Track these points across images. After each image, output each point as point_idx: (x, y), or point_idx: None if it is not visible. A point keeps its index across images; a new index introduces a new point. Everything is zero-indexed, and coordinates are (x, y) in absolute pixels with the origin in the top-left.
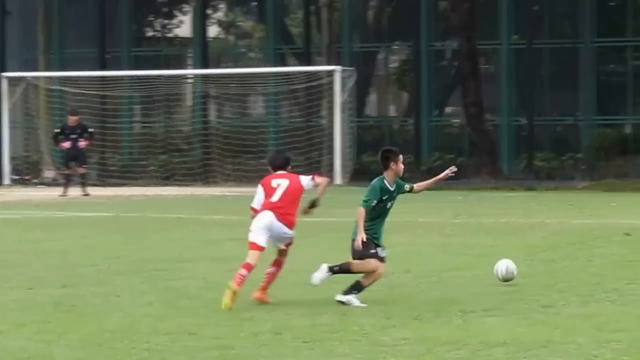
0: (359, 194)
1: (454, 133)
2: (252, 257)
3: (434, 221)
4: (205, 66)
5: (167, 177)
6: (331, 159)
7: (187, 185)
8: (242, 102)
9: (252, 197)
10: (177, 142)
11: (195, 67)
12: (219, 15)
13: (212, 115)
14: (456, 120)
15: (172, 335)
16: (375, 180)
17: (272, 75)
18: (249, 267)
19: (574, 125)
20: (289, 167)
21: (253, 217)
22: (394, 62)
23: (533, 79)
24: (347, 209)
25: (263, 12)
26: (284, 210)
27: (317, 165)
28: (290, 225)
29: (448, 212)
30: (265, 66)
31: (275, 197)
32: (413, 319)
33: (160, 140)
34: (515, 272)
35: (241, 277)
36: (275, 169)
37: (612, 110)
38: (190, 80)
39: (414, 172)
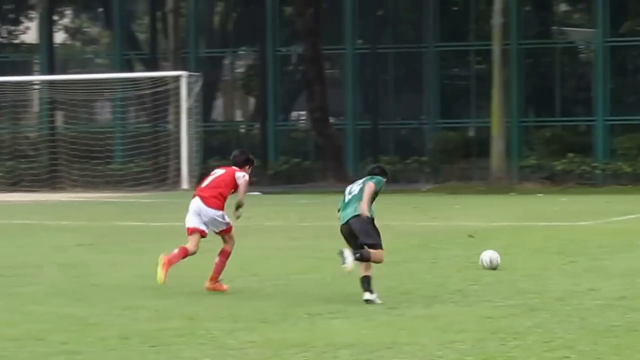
0: None
1: (299, 137)
2: (189, 242)
3: (281, 225)
4: (52, 72)
5: (14, 183)
6: (178, 163)
7: (34, 191)
8: (89, 107)
9: (99, 203)
10: (24, 148)
11: (41, 73)
12: (66, 21)
13: (59, 121)
14: (302, 125)
15: (18, 341)
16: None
17: (119, 81)
18: (184, 252)
19: (418, 128)
20: (247, 166)
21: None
22: (240, 67)
23: (377, 83)
24: None
25: (109, 18)
26: (208, 194)
27: (165, 170)
28: (215, 206)
29: (294, 216)
30: (112, 72)
31: (204, 184)
32: (260, 322)
33: (7, 147)
34: (499, 261)
35: (173, 257)
36: (234, 165)
37: (456, 114)
38: (37, 87)
39: (261, 177)
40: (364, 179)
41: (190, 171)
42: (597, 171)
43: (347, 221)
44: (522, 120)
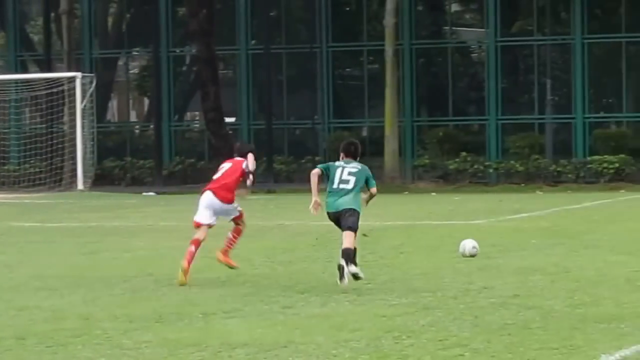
0: (102, 198)
1: (194, 138)
2: (198, 233)
3: (176, 225)
4: None
5: None
6: (73, 164)
7: None
8: None
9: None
10: None
11: None
12: None
13: None
14: (196, 125)
15: None
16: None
17: (13, 82)
18: (197, 242)
19: (312, 128)
20: (250, 156)
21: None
22: (135, 68)
23: (271, 84)
24: (90, 214)
25: (3, 19)
26: (219, 187)
27: (60, 171)
28: (226, 200)
29: (189, 216)
30: (6, 73)
31: (215, 177)
32: (155, 321)
33: None
34: (477, 249)
35: (190, 254)
36: (237, 156)
37: (349, 114)
38: None
39: (156, 177)
40: (354, 164)
41: (85, 172)
42: (490, 170)
43: (340, 211)
44: (415, 120)
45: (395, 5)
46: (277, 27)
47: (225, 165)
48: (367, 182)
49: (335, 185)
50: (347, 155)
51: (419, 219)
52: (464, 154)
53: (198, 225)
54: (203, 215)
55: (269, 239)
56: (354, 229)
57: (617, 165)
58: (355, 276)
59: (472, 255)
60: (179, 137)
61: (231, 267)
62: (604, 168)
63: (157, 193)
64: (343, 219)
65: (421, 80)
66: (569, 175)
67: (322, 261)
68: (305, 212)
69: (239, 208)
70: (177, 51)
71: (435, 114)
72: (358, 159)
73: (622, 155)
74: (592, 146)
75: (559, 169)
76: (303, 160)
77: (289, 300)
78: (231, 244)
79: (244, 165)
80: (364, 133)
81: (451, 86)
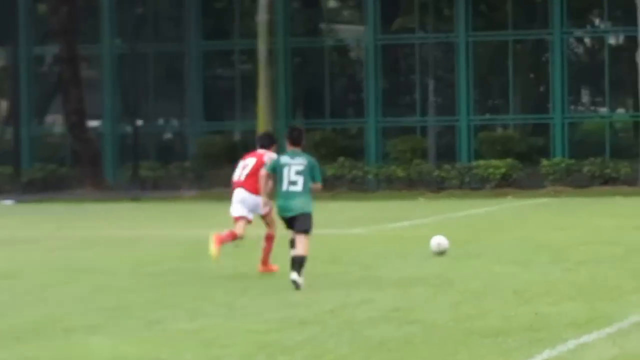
0: None
1: (55, 142)
2: (236, 227)
3: (36, 235)
4: None
5: None
6: None
7: None
8: None
9: None
10: None
11: None
12: None
13: None
14: (57, 129)
15: None
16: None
17: None
18: (233, 236)
19: (181, 132)
20: (274, 145)
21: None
22: None
23: (137, 85)
24: None
25: None
26: (249, 183)
27: None
28: (256, 193)
29: (50, 226)
30: None
31: (242, 176)
32: (13, 338)
33: None
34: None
35: (227, 236)
36: (260, 147)
37: (220, 117)
38: None
39: (15, 184)
40: (299, 159)
41: None
42: (370, 176)
43: (296, 215)
44: (290, 123)
45: (268, 1)
46: (143, 24)
47: (250, 162)
48: (312, 175)
49: (284, 188)
50: (291, 143)
51: None
52: (341, 158)
53: (236, 219)
54: (238, 208)
55: (136, 250)
56: (309, 232)
57: (503, 170)
58: (295, 283)
59: (442, 252)
60: (39, 142)
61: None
62: (490, 173)
63: (16, 201)
64: (297, 222)
65: (296, 81)
66: (453, 181)
67: (191, 273)
68: (174, 221)
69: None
70: (38, 50)
71: (312, 116)
72: (302, 145)
73: (509, 160)
74: (477, 150)
75: (442, 175)
76: (171, 166)
77: (156, 315)
78: (267, 254)
79: (264, 159)
80: (236, 137)
81: (328, 87)
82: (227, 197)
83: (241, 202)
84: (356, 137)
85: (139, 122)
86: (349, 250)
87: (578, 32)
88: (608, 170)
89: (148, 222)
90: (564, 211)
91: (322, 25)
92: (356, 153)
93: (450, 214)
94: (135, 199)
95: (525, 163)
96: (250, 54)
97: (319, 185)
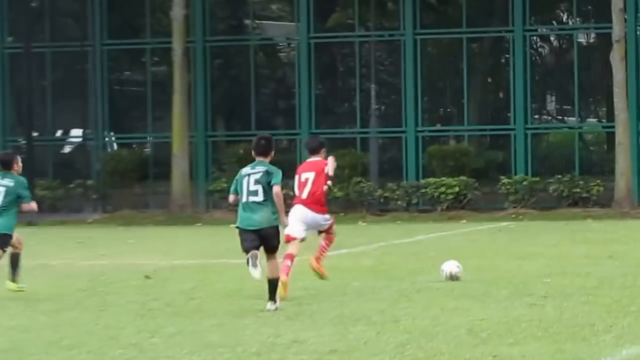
0: None
1: None
2: (290, 247)
3: None
4: None
5: None
6: None
7: None
8: None
9: None
10: None
11: None
12: None
13: None
14: None
15: None
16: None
17: None
18: (291, 257)
19: (83, 145)
20: (323, 150)
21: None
22: None
23: (33, 90)
24: None
25: None
26: (311, 201)
27: None
28: (320, 211)
29: None
30: None
31: (304, 194)
32: None
33: None
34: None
35: (287, 268)
36: (310, 153)
37: (129, 127)
38: None
39: None
40: (260, 167)
41: None
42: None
43: (259, 229)
44: (210, 135)
45: None
46: (39, 21)
47: (309, 176)
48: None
49: (244, 199)
50: (257, 154)
51: (214, 256)
52: None
53: (289, 240)
54: (295, 229)
55: (30, 282)
56: (277, 250)
57: (457, 189)
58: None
59: (457, 278)
60: None
61: (322, 277)
62: (441, 193)
63: None
64: (266, 241)
65: (217, 86)
66: (399, 202)
67: (95, 310)
68: (74, 248)
69: (330, 219)
70: None
71: (235, 127)
72: (271, 155)
73: (463, 178)
74: (427, 166)
75: (386, 195)
76: (71, 185)
77: (53, 358)
78: (323, 252)
79: (326, 170)
80: (147, 151)
81: (254, 93)
82: (137, 221)
83: (301, 220)
84: (287, 151)
85: (34, 134)
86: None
87: (543, 30)
88: (578, 190)
89: (45, 250)
90: (527, 237)
91: (247, 22)
92: (287, 170)
93: (396, 241)
94: (30, 223)
95: (482, 181)
96: (164, 55)
97: (276, 188)
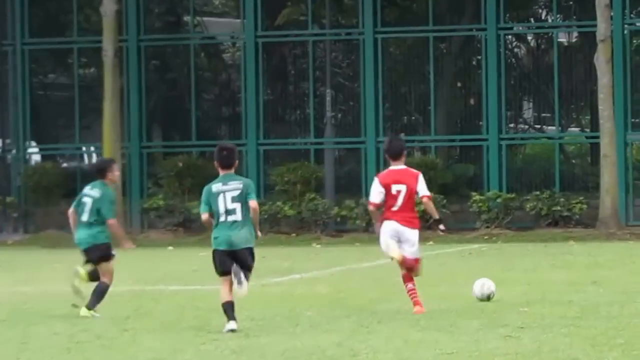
0: None
1: None
2: (401, 267)
3: None
4: None
5: None
6: None
7: None
8: None
9: None
10: None
11: None
12: None
13: None
14: None
15: None
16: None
17: None
18: (408, 278)
19: (2, 158)
20: (405, 152)
21: (372, 211)
22: None
23: None
24: None
25: None
26: (405, 216)
27: None
28: (416, 227)
29: None
30: None
31: (396, 206)
32: None
33: None
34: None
35: (413, 291)
36: (393, 158)
37: (53, 137)
38: None
39: None
40: (233, 183)
41: None
42: None
43: (237, 250)
44: (145, 146)
45: None
46: None
47: (402, 189)
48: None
49: (222, 219)
50: (222, 167)
51: (150, 282)
52: None
53: (403, 261)
54: (392, 246)
55: None
56: (252, 271)
57: (422, 207)
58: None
59: (489, 297)
60: None
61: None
62: None
63: None
64: (243, 261)
65: (153, 91)
66: (358, 222)
67: (17, 342)
68: None
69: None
70: None
71: (173, 137)
72: (235, 165)
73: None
74: None
75: (343, 213)
76: None
77: None
78: (415, 294)
79: (417, 189)
80: (74, 164)
81: (194, 99)
82: (64, 243)
83: (394, 237)
84: None
85: None
86: (221, 310)
87: (519, 28)
88: (558, 208)
89: None
90: (502, 261)
91: (187, 18)
92: None
93: (354, 265)
94: None
95: (451, 198)
96: (93, 55)
97: (254, 203)
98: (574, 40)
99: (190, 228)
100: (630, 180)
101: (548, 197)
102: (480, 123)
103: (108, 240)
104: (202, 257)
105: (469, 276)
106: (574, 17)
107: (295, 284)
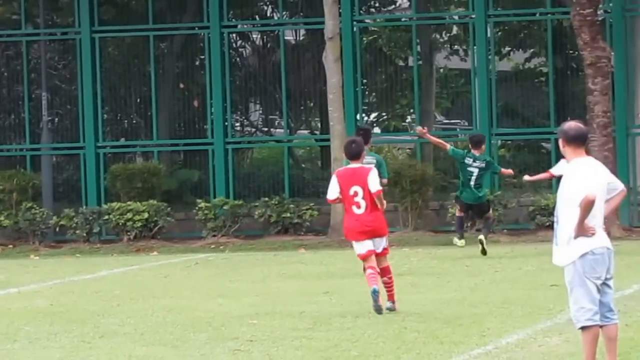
0: None
1: None
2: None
3: None
4: None
5: None
6: None
7: None
8: None
9: None
10: None
11: None
12: None
13: None
14: None
15: None
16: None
17: None
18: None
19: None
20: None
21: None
22: None
23: None
24: None
25: None
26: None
27: None
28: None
29: None
30: None
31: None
32: None
33: None
34: None
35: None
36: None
37: None
38: None
39: None
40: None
41: None
42: None
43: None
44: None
45: None
46: None
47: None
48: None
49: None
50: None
51: None
52: None
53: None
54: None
55: None
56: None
57: (146, 215)
58: None
59: None
60: None
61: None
62: (128, 220)
63: None
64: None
65: None
66: (78, 232)
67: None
68: None
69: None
70: None
71: None
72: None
73: (153, 202)
74: (110, 189)
75: (62, 223)
76: None
77: None
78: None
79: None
80: None
81: None
82: None
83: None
84: None
85: None
86: None
87: (244, 26)
88: (288, 214)
89: None
90: (229, 271)
91: None
92: None
93: (75, 277)
94: None
95: (175, 206)
96: None
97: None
98: (301, 38)
99: None
100: None
101: (277, 204)
102: (205, 126)
103: None
104: None
105: (195, 288)
106: (301, 13)
107: (12, 298)
